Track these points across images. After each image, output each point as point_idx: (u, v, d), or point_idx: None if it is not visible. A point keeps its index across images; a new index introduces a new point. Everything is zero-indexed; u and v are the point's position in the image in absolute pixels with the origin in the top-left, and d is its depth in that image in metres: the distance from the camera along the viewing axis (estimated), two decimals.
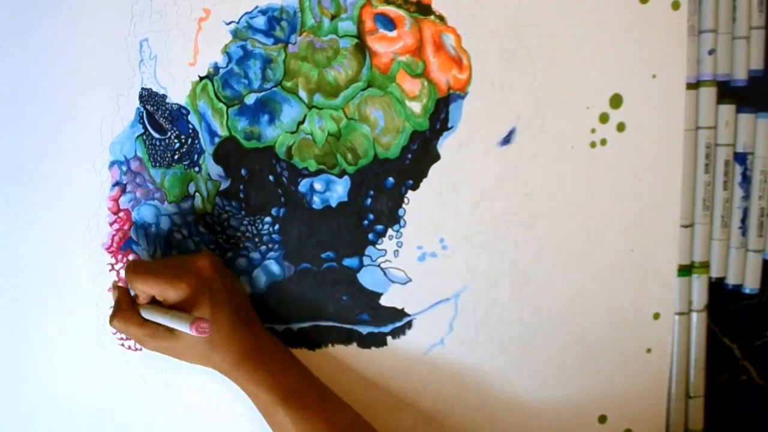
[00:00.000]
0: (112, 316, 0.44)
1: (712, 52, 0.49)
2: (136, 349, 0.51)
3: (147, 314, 0.44)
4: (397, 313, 0.50)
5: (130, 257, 0.50)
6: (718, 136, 0.51)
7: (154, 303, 0.45)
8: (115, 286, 0.47)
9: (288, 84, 0.48)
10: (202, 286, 0.44)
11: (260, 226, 0.49)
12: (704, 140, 0.50)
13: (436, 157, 0.49)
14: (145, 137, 0.49)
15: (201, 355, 0.45)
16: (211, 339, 0.44)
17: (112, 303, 0.46)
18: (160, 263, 0.46)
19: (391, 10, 0.47)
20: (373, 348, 0.51)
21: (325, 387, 0.48)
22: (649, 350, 0.52)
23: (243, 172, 0.49)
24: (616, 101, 0.49)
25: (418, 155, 0.49)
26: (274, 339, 0.49)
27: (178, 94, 0.48)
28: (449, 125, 0.48)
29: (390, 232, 0.49)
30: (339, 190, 0.49)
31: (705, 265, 0.52)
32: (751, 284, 0.52)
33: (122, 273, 0.50)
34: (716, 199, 0.51)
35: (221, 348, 0.44)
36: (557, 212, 0.50)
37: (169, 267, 0.45)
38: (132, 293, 0.45)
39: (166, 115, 0.48)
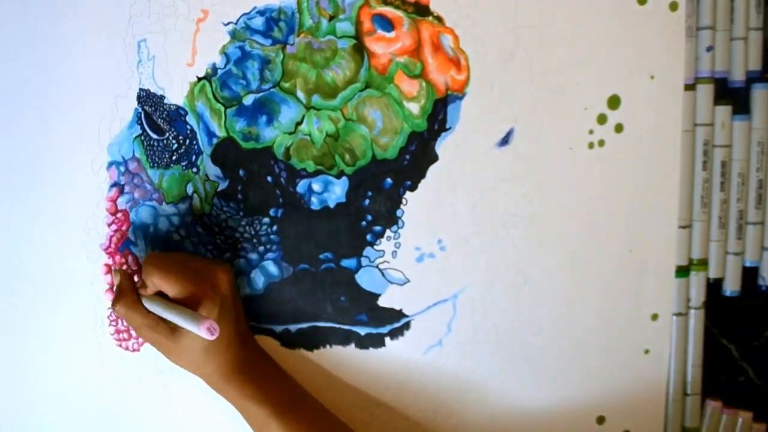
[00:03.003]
0: (116, 301, 0.44)
1: (710, 48, 0.49)
2: (134, 350, 0.51)
3: (151, 306, 0.44)
4: (396, 314, 0.50)
5: (129, 258, 0.50)
6: (714, 137, 0.51)
7: (159, 295, 0.45)
8: (117, 271, 0.47)
9: (286, 85, 0.48)
10: (216, 297, 0.44)
11: (258, 227, 0.49)
12: (702, 137, 0.50)
13: (435, 158, 0.49)
14: (143, 138, 0.49)
15: (194, 361, 0.45)
16: (208, 348, 0.44)
17: (112, 284, 0.46)
18: (179, 261, 0.46)
19: (389, 11, 0.47)
20: (371, 349, 0.51)
21: (311, 396, 0.48)
22: (647, 351, 0.52)
23: (241, 172, 0.49)
24: (614, 102, 0.49)
25: (417, 156, 0.49)
26: (263, 351, 0.49)
27: (176, 95, 0.48)
28: (447, 126, 0.49)
29: (388, 233, 0.49)
30: (337, 191, 0.49)
31: (703, 263, 0.52)
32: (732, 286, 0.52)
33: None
34: (713, 199, 0.51)
35: (216, 359, 0.44)
36: (555, 213, 0.50)
37: (189, 269, 0.45)
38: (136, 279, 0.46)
39: (164, 115, 0.48)
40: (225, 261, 0.49)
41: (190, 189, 0.49)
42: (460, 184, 0.49)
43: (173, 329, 0.43)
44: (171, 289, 0.43)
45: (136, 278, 0.48)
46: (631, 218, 0.51)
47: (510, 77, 0.48)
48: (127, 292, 0.45)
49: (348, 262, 0.50)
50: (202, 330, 0.40)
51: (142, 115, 0.48)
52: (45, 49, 0.48)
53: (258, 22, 0.47)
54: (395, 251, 0.50)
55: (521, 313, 0.51)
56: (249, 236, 0.49)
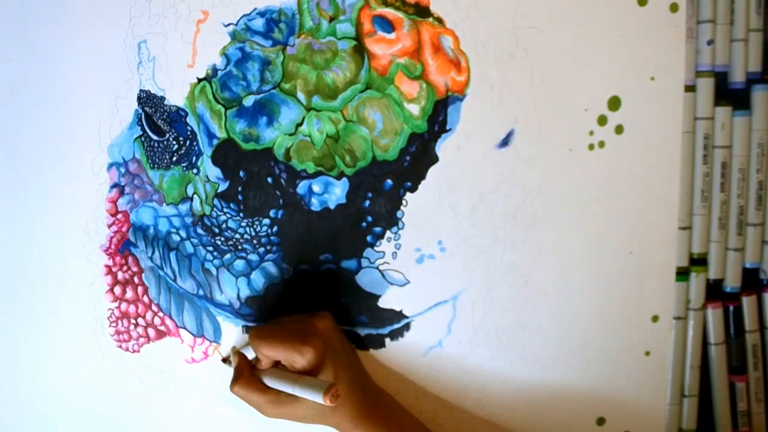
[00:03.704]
0: (234, 383, 0.45)
1: (711, 42, 0.49)
2: (134, 351, 0.51)
3: (271, 382, 0.44)
4: (396, 315, 0.50)
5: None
6: (714, 138, 0.51)
7: (276, 367, 0.45)
8: (235, 352, 0.48)
9: (286, 86, 0.48)
10: (327, 349, 0.44)
11: (258, 228, 0.49)
12: (702, 131, 0.50)
13: (435, 159, 0.49)
14: (143, 139, 0.49)
15: (322, 415, 0.44)
16: None
17: (231, 367, 0.47)
18: (281, 326, 0.46)
19: (389, 12, 0.47)
20: (371, 350, 0.51)
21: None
22: (647, 353, 0.52)
23: (241, 173, 0.49)
24: (614, 103, 0.49)
25: (417, 157, 0.49)
26: (383, 390, 0.49)
27: (176, 96, 0.48)
28: (447, 127, 0.49)
29: (388, 234, 0.49)
30: (337, 192, 0.49)
31: (703, 258, 0.52)
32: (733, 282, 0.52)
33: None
34: (714, 198, 0.51)
35: (342, 408, 0.44)
36: (555, 214, 0.50)
37: (291, 330, 0.45)
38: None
39: (164, 117, 0.48)
40: (321, 311, 0.49)
41: (190, 190, 0.49)
42: (460, 185, 0.49)
43: (294, 396, 0.43)
44: (282, 356, 0.43)
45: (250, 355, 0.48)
46: (631, 220, 0.51)
47: (510, 78, 0.48)
48: (244, 374, 0.45)
49: (348, 263, 0.50)
50: (325, 399, 0.40)
51: (143, 116, 0.49)
52: (45, 50, 0.48)
53: (258, 24, 0.47)
54: (395, 252, 0.50)
55: (521, 315, 0.51)
56: (249, 237, 0.49)
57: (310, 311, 0.49)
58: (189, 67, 0.48)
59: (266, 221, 0.49)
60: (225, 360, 0.50)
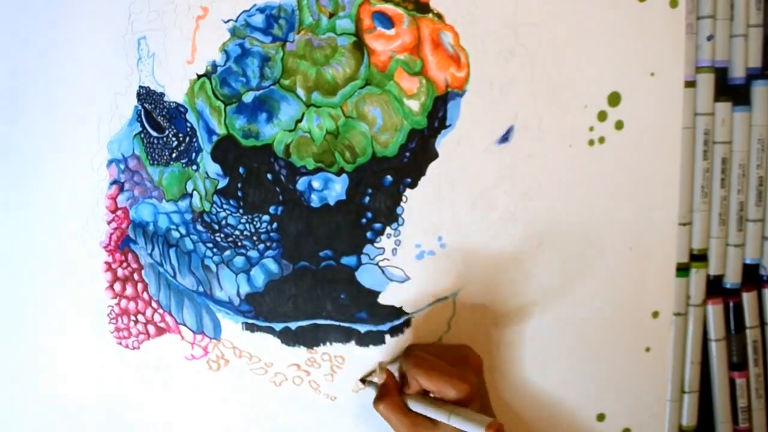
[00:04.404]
0: (379, 401, 0.45)
1: (710, 37, 0.49)
2: (134, 348, 0.51)
3: (417, 407, 0.44)
4: (396, 312, 0.50)
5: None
6: (714, 133, 0.51)
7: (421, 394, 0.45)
8: (382, 368, 0.48)
9: (286, 82, 0.48)
10: (480, 387, 0.44)
11: (258, 225, 0.49)
12: (702, 127, 0.50)
13: (435, 156, 0.49)
14: (143, 135, 0.49)
15: None
16: None
17: (376, 382, 0.48)
18: (437, 355, 0.46)
19: (389, 8, 0.47)
20: (371, 346, 0.51)
21: None
22: (648, 349, 0.52)
23: (241, 170, 0.49)
24: (614, 99, 0.49)
25: (417, 153, 0.49)
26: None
27: (176, 93, 0.48)
28: (447, 123, 0.48)
29: (388, 230, 0.49)
30: (337, 189, 0.49)
31: (703, 253, 0.52)
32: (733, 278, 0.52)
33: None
34: (714, 194, 0.51)
35: None
36: (555, 211, 0.50)
37: (449, 363, 0.45)
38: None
39: (164, 113, 0.48)
40: (466, 345, 0.49)
41: (189, 186, 0.49)
42: (460, 181, 0.49)
43: (434, 423, 0.43)
44: (436, 387, 0.43)
45: (396, 372, 0.48)
46: (631, 216, 0.51)
47: (510, 74, 0.48)
48: (391, 393, 0.45)
49: (348, 260, 0.49)
50: None
51: (142, 113, 0.48)
52: (45, 46, 0.48)
53: (258, 20, 0.47)
54: (395, 249, 0.50)
55: (521, 311, 0.51)
56: (249, 234, 0.49)
57: (309, 308, 0.49)
58: (188, 64, 0.48)
59: (266, 218, 0.49)
60: (364, 380, 0.50)
